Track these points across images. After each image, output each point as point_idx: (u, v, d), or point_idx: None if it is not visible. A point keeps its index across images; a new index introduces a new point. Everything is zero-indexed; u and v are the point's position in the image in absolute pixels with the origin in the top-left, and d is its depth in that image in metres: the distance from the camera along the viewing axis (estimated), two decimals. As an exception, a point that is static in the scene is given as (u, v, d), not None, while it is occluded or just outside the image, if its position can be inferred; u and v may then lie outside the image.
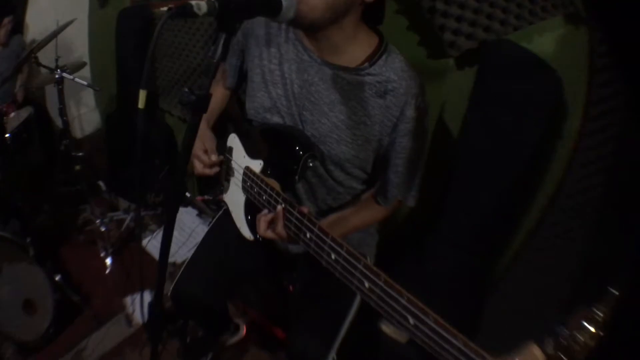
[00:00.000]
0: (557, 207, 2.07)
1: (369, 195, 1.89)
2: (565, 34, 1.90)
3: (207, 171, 1.87)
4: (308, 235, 1.42)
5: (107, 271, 3.62)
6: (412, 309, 1.10)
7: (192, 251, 2.23)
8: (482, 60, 2.07)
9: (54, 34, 3.36)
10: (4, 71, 3.81)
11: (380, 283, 1.17)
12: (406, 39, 2.22)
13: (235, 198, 1.91)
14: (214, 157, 1.85)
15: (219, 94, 2.10)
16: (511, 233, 2.23)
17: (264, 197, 1.65)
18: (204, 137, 1.92)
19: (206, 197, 2.15)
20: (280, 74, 1.75)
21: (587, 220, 1.98)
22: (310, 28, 1.56)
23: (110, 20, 4.20)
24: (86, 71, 4.58)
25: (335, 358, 1.97)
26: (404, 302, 1.12)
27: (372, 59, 1.61)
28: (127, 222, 4.02)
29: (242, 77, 2.02)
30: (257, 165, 1.76)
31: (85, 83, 3.37)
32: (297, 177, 1.69)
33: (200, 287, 2.13)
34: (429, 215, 2.28)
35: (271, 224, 1.59)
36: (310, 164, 1.69)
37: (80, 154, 3.69)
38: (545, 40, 1.94)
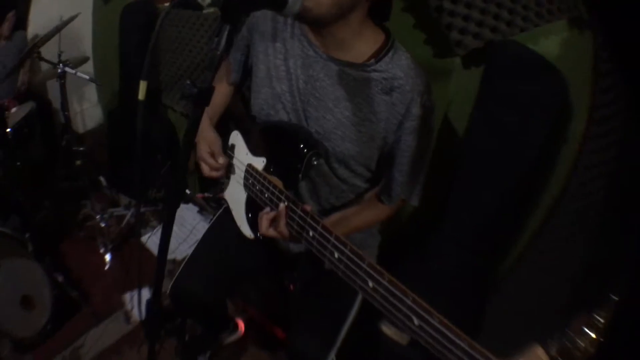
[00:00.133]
0: (561, 210, 2.07)
1: (372, 195, 1.87)
2: (571, 37, 1.89)
3: (215, 174, 1.87)
4: (311, 233, 1.40)
5: (107, 267, 3.61)
6: (417, 309, 1.08)
7: (193, 248, 2.21)
8: (489, 60, 2.06)
9: (57, 29, 3.35)
10: (7, 66, 3.80)
11: (385, 282, 1.15)
12: (412, 37, 2.21)
13: (236, 196, 1.90)
14: (222, 160, 1.85)
15: (222, 91, 2.07)
16: (515, 234, 2.21)
17: (266, 195, 1.64)
18: (209, 139, 1.91)
19: (206, 194, 2.13)
20: (285, 69, 1.73)
21: (589, 223, 1.97)
22: (316, 23, 1.54)
23: (114, 15, 4.19)
24: (89, 67, 4.59)
25: (334, 359, 1.95)
26: (408, 302, 1.10)
27: (378, 55, 1.59)
28: (127, 218, 4.01)
29: (246, 72, 1.99)
30: (259, 163, 1.75)
31: (87, 77, 3.36)
32: (300, 175, 1.67)
33: (199, 285, 2.11)
34: (432, 214, 2.27)
35: (273, 222, 1.57)
36: (315, 162, 1.67)
37: (81, 148, 3.67)
38: (551, 42, 1.93)
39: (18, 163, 3.36)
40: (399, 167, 1.70)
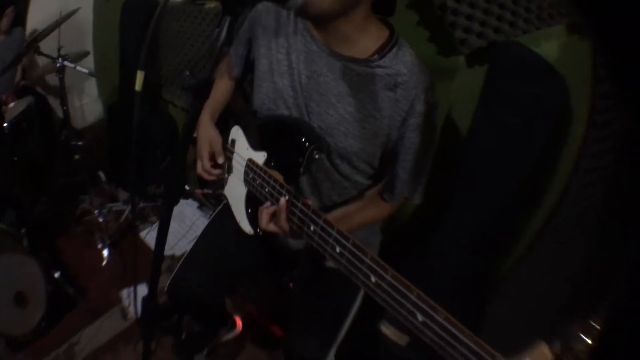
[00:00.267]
0: (561, 212, 2.06)
1: (374, 192, 1.85)
2: (571, 41, 1.89)
3: (206, 176, 1.90)
4: (312, 228, 1.38)
5: (104, 263, 3.58)
6: (422, 305, 1.06)
7: (192, 244, 2.20)
8: (492, 60, 2.06)
9: (57, 24, 3.35)
10: (5, 61, 3.79)
11: (388, 277, 1.13)
12: (416, 34, 2.20)
13: (236, 191, 1.88)
14: (221, 160, 1.85)
15: (224, 88, 2.07)
16: (516, 235, 2.20)
17: (266, 190, 1.62)
18: (210, 137, 1.91)
19: (206, 190, 2.12)
20: (287, 64, 1.71)
21: (589, 226, 1.95)
22: (319, 18, 1.53)
23: (114, 10, 4.19)
24: (90, 62, 4.56)
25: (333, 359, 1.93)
26: (413, 298, 1.08)
27: (382, 51, 1.58)
28: (126, 213, 3.99)
29: (248, 67, 1.98)
30: (260, 157, 1.73)
31: (86, 71, 3.37)
32: (301, 170, 1.66)
33: (198, 281, 2.09)
34: (434, 213, 2.26)
35: (273, 216, 1.55)
36: (316, 156, 1.65)
37: (80, 143, 3.66)
38: (552, 45, 1.93)
39: (15, 158, 3.35)
40: (402, 164, 1.68)
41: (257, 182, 1.68)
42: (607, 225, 1.77)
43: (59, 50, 3.38)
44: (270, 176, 1.61)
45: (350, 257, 1.24)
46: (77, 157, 3.69)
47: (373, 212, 1.85)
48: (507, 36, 1.98)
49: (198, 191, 2.16)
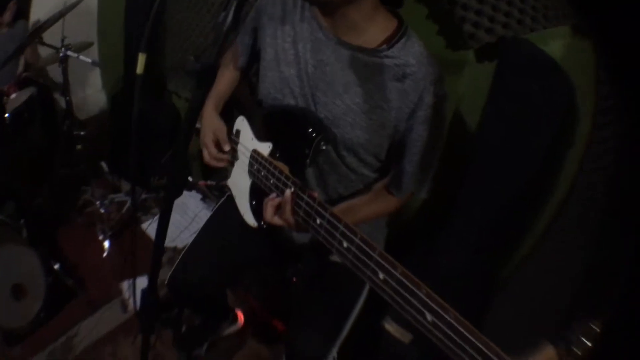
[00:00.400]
0: (566, 211, 2.05)
1: (381, 185, 1.82)
2: (576, 42, 1.87)
3: (214, 163, 1.86)
4: (318, 221, 1.34)
5: (105, 254, 3.55)
6: (431, 304, 1.03)
7: (194, 237, 2.18)
8: (502, 56, 2.04)
9: (61, 14, 3.33)
10: (7, 52, 3.78)
11: (397, 274, 1.10)
12: (425, 27, 2.18)
13: (240, 183, 1.86)
14: (227, 148, 1.82)
15: (228, 77, 2.04)
16: (521, 234, 2.19)
17: (271, 181, 1.60)
18: (214, 126, 1.88)
19: (209, 182, 2.09)
20: (294, 53, 1.68)
21: (593, 226, 1.94)
22: (327, 5, 1.51)
23: (119, 1, 4.15)
24: (94, 54, 4.53)
25: (336, 357, 1.91)
26: (422, 296, 1.04)
27: (390, 41, 1.55)
28: (128, 204, 3.95)
29: (254, 57, 1.95)
30: (265, 148, 1.71)
31: (89, 60, 3.35)
32: (308, 161, 1.63)
33: (199, 274, 2.08)
34: (441, 209, 2.25)
35: (278, 209, 1.52)
36: (323, 147, 1.63)
37: (82, 133, 3.64)
38: (558, 45, 1.91)
39: (16, 149, 3.34)
40: (409, 157, 1.65)
41: (262, 173, 1.66)
42: (608, 226, 1.79)
43: (62, 40, 3.36)
44: (275, 167, 1.58)
45: (357, 252, 1.21)
46: (79, 147, 3.68)
47: (379, 206, 1.81)
48: (516, 33, 1.96)
49: (201, 182, 2.14)
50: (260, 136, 1.76)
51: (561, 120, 1.91)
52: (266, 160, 1.65)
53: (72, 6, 3.35)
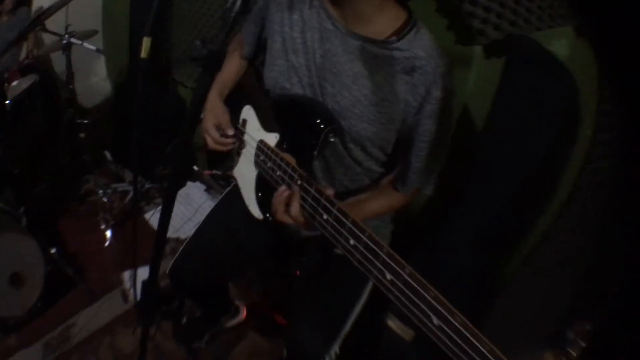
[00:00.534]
0: (567, 212, 2.03)
1: (387, 181, 1.79)
2: (580, 43, 1.86)
3: (219, 147, 1.84)
4: (325, 216, 1.32)
5: (107, 244, 3.54)
6: (439, 307, 1.01)
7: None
8: (510, 54, 2.03)
9: (64, 1, 3.31)
10: (11, 40, 3.76)
11: (405, 275, 1.07)
12: (434, 22, 2.14)
13: (246, 174, 1.83)
14: (230, 132, 1.80)
15: (234, 66, 2.02)
16: (524, 234, 2.16)
17: (277, 173, 1.57)
18: (216, 111, 1.86)
19: (214, 171, 2.07)
20: (302, 42, 1.65)
21: (594, 228, 1.96)
22: None
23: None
24: (99, 42, 4.51)
25: (337, 352, 1.88)
26: (429, 299, 1.02)
27: (400, 33, 1.52)
28: (131, 194, 3.95)
29: (260, 47, 1.93)
30: (272, 139, 1.68)
31: (93, 48, 3.35)
32: (315, 153, 1.60)
33: (201, 264, 2.07)
34: (446, 205, 2.23)
35: (288, 204, 1.49)
36: (332, 139, 1.60)
37: (85, 121, 3.63)
38: (563, 45, 1.90)
39: (17, 136, 3.34)
40: (416, 152, 1.63)
41: (268, 164, 1.64)
42: (608, 226, 1.84)
43: (66, 28, 3.37)
44: (282, 159, 1.56)
45: (364, 251, 1.18)
46: (82, 135, 3.68)
47: (386, 201, 1.79)
48: (523, 31, 1.95)
49: (206, 172, 2.13)
50: (267, 126, 1.73)
51: (565, 119, 1.90)
52: (273, 151, 1.63)
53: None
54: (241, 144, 1.86)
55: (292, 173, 1.48)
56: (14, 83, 3.58)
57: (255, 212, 1.76)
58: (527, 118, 1.97)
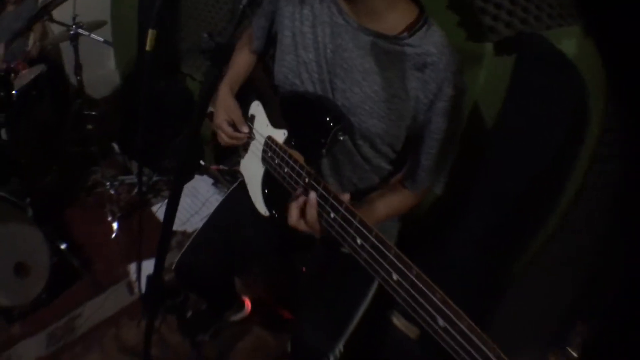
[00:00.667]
0: (574, 211, 2.02)
1: (396, 180, 1.78)
2: (587, 42, 1.84)
3: (233, 142, 1.82)
4: (332, 215, 1.31)
5: (113, 236, 3.55)
6: (445, 309, 1.00)
7: (204, 221, 2.17)
8: (521, 51, 2.02)
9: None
10: (17, 30, 3.76)
11: (412, 277, 1.06)
12: (446, 17, 2.13)
13: (253, 170, 1.82)
14: (245, 129, 1.78)
15: (244, 59, 2.00)
16: (532, 232, 2.13)
17: (285, 170, 1.55)
18: (228, 107, 1.83)
19: (221, 166, 2.05)
20: (312, 37, 1.63)
21: (599, 229, 1.95)
22: None
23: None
24: (108, 33, 4.51)
25: (342, 350, 1.88)
26: (436, 301, 1.01)
27: (411, 29, 1.50)
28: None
29: (270, 41, 1.91)
30: (280, 135, 1.66)
31: (101, 39, 3.34)
32: (324, 151, 1.57)
33: (207, 259, 2.08)
34: (454, 204, 2.22)
35: (303, 211, 1.45)
36: (341, 137, 1.57)
37: (93, 113, 3.63)
38: (571, 44, 1.88)
39: (23, 126, 3.34)
40: (426, 150, 1.61)
41: (276, 161, 1.62)
42: (613, 227, 1.82)
43: (74, 18, 3.36)
44: (290, 156, 1.54)
45: (371, 251, 1.17)
46: (89, 127, 3.68)
47: (396, 200, 1.76)
48: (533, 29, 1.94)
49: (213, 167, 2.12)
50: (276, 123, 1.71)
51: (574, 118, 1.89)
52: (281, 148, 1.61)
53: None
54: (249, 140, 1.85)
55: (299, 170, 1.47)
56: (21, 73, 3.58)
57: (262, 209, 1.74)
58: (537, 116, 1.95)
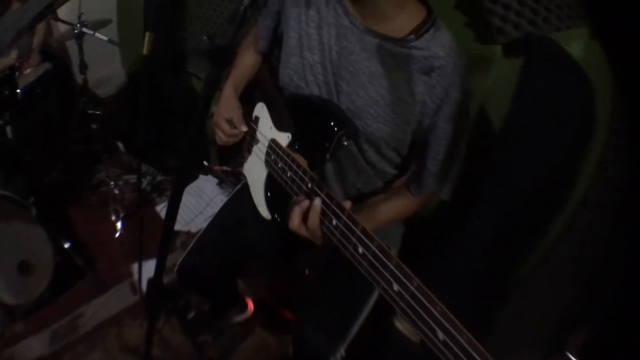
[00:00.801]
0: (579, 218, 2.00)
1: (400, 184, 1.76)
2: (594, 44, 1.82)
3: (230, 140, 1.82)
4: (334, 222, 1.29)
5: (117, 235, 3.55)
6: (445, 323, 0.99)
7: (208, 221, 2.17)
8: (529, 53, 2.00)
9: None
10: (22, 28, 3.77)
11: (412, 288, 1.05)
12: (454, 18, 2.12)
13: (256, 172, 1.80)
14: (244, 128, 1.77)
15: (249, 60, 1.99)
16: (538, 236, 2.12)
17: (288, 174, 1.54)
18: (229, 106, 1.83)
19: (224, 167, 2.05)
20: (318, 39, 1.62)
21: (602, 230, 1.90)
22: None
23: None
24: (114, 31, 4.50)
25: (343, 355, 1.88)
26: (436, 314, 1.00)
27: (419, 31, 1.48)
28: (143, 185, 3.95)
29: (275, 41, 1.90)
30: (284, 138, 1.65)
31: (105, 38, 3.34)
32: (328, 155, 1.56)
33: (211, 262, 2.08)
34: (458, 207, 2.15)
35: (306, 216, 1.43)
36: (345, 143, 1.56)
37: (98, 112, 3.62)
38: (579, 46, 1.86)
39: (27, 124, 3.34)
40: (432, 155, 1.59)
41: (279, 165, 1.60)
42: (617, 231, 1.76)
43: (79, 16, 3.36)
44: (293, 160, 1.53)
45: (373, 260, 1.16)
46: (94, 126, 3.70)
47: (400, 204, 1.74)
48: (542, 30, 1.93)
49: (216, 167, 2.11)
50: (280, 125, 1.70)
51: (582, 121, 1.87)
52: (284, 151, 1.60)
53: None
54: (252, 142, 1.84)
55: (302, 175, 1.45)
56: (27, 71, 3.58)
57: (264, 212, 1.73)
58: (545, 118, 1.93)
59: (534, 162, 1.99)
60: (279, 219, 1.64)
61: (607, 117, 1.81)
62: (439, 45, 1.47)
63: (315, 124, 1.58)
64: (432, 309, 1.00)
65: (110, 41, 3.38)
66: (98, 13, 3.94)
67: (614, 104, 1.76)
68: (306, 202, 1.41)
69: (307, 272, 2.23)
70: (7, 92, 3.15)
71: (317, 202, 1.37)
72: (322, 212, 1.34)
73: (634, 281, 1.48)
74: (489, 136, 2.15)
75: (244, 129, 1.77)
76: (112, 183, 3.76)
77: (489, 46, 2.08)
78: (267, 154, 1.70)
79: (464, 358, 0.95)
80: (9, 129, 3.24)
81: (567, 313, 1.85)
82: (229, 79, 1.91)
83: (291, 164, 1.52)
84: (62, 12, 3.37)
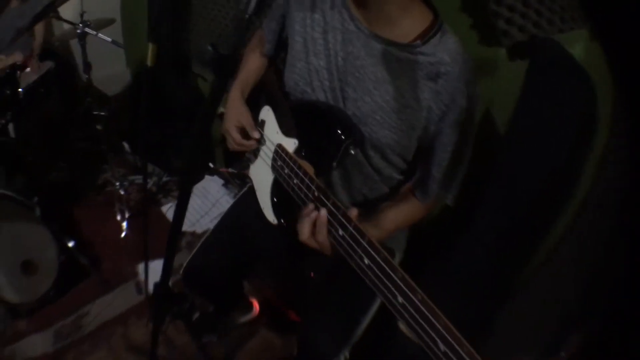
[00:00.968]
0: (580, 219, 2.01)
1: (406, 189, 1.76)
2: (595, 46, 1.83)
3: (240, 149, 1.82)
4: (340, 232, 1.29)
5: (122, 235, 3.56)
6: (447, 336, 1.00)
7: (214, 222, 2.18)
8: (534, 55, 1.99)
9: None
10: (22, 27, 3.76)
11: (416, 301, 1.06)
12: (460, 20, 2.12)
13: (262, 176, 1.80)
14: (256, 135, 1.76)
15: (255, 63, 1.98)
16: (541, 238, 2.12)
17: (294, 181, 1.53)
18: (238, 112, 1.83)
19: (230, 169, 2.04)
20: (323, 43, 1.61)
21: (603, 233, 1.91)
22: None
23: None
24: (118, 31, 4.49)
25: (347, 356, 1.89)
26: (439, 327, 1.01)
27: (425, 36, 1.47)
28: (149, 186, 3.96)
29: (281, 44, 1.89)
30: (291, 144, 1.64)
31: (109, 39, 3.33)
32: (335, 164, 1.56)
33: (218, 261, 2.09)
34: (463, 210, 2.17)
35: (315, 228, 1.42)
36: (352, 151, 1.56)
37: (102, 113, 3.64)
38: (582, 47, 1.86)
39: (29, 124, 3.34)
40: (437, 162, 1.59)
41: (285, 171, 1.60)
42: (618, 233, 1.77)
43: (81, 16, 3.35)
44: (299, 167, 1.52)
45: (378, 272, 1.16)
46: (99, 127, 3.68)
47: (405, 211, 1.73)
48: (546, 32, 1.93)
49: (223, 169, 2.10)
50: (286, 130, 1.69)
51: (585, 123, 1.87)
52: (291, 158, 1.59)
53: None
54: (259, 145, 1.83)
55: (309, 183, 1.45)
56: (28, 70, 3.58)
57: (270, 216, 1.73)
58: (549, 121, 1.93)
59: (538, 165, 1.99)
60: (285, 224, 1.64)
61: (607, 118, 1.81)
62: (445, 51, 1.46)
63: (322, 131, 1.58)
64: (435, 322, 1.01)
65: (114, 42, 3.36)
66: (101, 12, 3.93)
67: (615, 105, 1.77)
68: (315, 213, 1.40)
69: (312, 275, 2.24)
70: (8, 91, 3.15)
71: (323, 212, 1.36)
72: (329, 222, 1.34)
73: (634, 281, 1.49)
74: (494, 139, 2.15)
75: (256, 136, 1.76)
76: (117, 183, 3.75)
77: (494, 49, 2.07)
78: (274, 159, 1.70)
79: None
80: (11, 128, 3.23)
81: (567, 313, 1.86)
82: (236, 81, 1.91)
83: (297, 171, 1.52)
84: (64, 11, 3.35)
